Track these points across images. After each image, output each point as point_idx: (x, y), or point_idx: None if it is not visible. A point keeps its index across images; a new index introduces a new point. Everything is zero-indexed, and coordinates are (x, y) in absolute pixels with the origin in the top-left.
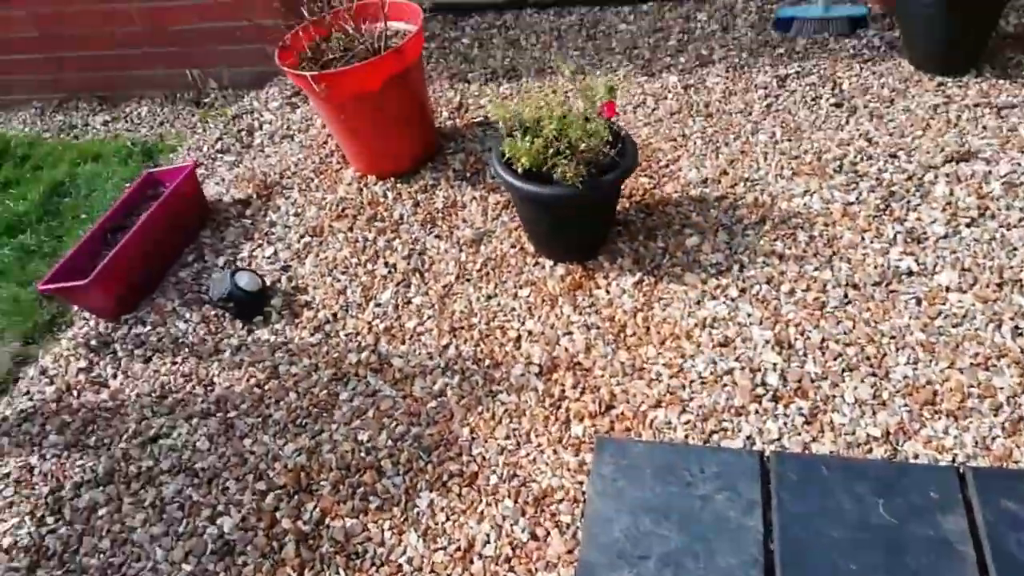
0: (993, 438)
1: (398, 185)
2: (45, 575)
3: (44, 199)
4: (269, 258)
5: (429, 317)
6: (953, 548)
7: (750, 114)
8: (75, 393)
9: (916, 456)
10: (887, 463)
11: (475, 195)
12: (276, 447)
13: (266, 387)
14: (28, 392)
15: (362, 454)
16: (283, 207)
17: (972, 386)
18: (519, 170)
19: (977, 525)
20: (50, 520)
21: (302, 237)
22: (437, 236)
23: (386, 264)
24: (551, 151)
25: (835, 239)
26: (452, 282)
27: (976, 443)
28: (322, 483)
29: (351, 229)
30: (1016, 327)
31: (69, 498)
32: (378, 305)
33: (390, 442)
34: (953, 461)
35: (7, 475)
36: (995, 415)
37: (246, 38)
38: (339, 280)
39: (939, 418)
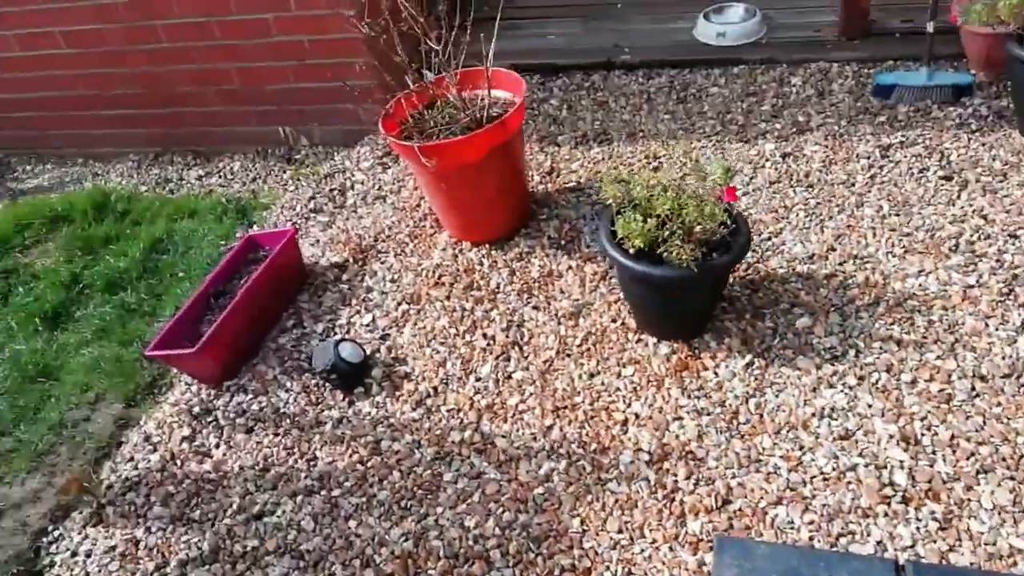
0: None
1: (493, 252)
2: None
3: (144, 256)
4: (367, 326)
5: (531, 394)
6: None
7: (853, 185)
8: (179, 463)
9: None
10: None
11: (571, 264)
12: (382, 530)
13: (368, 464)
14: (132, 459)
15: (469, 542)
16: (379, 272)
17: None
18: (630, 250)
19: None
20: None
21: (399, 304)
22: (535, 307)
23: (484, 336)
24: (665, 232)
25: (956, 325)
26: (553, 357)
27: None
28: (430, 572)
29: (448, 298)
30: None
31: None
32: (479, 379)
33: (498, 530)
34: None
35: (113, 548)
36: None
37: (339, 98)
38: (438, 351)
39: None
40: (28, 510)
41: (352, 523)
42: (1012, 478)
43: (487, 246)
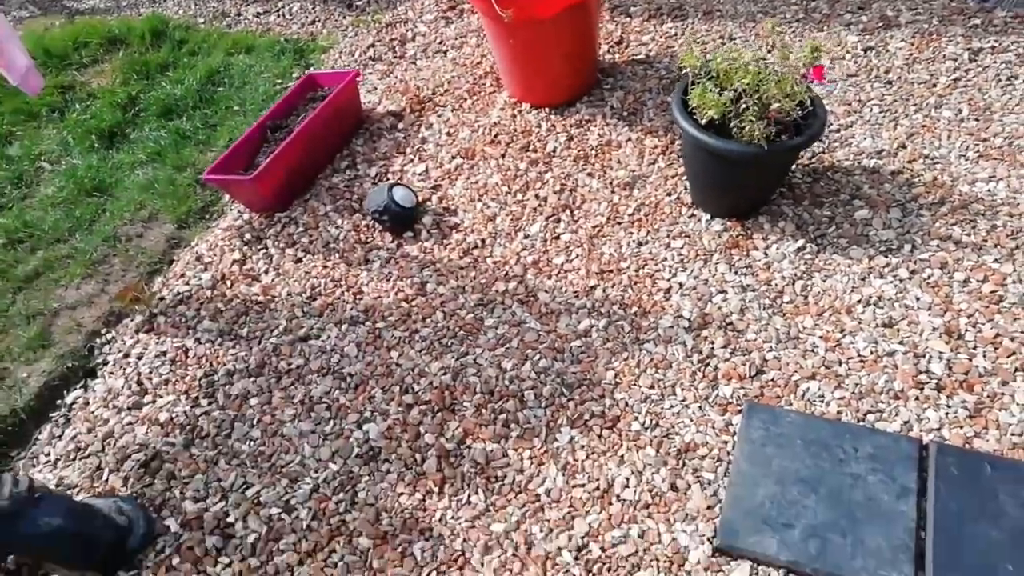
0: None
1: (552, 116)
2: (199, 453)
3: (200, 86)
4: (420, 175)
5: (577, 256)
6: None
7: (934, 86)
8: (228, 283)
9: None
10: None
11: (631, 136)
12: (423, 363)
13: (413, 303)
14: (184, 275)
15: (505, 382)
16: (435, 124)
17: None
18: (702, 120)
19: None
20: (204, 402)
21: (454, 158)
22: (589, 174)
23: (536, 196)
24: (740, 106)
25: (1020, 231)
26: (603, 223)
27: None
28: (465, 404)
29: (503, 156)
30: None
31: (222, 383)
32: (527, 236)
33: (533, 374)
34: None
35: (164, 353)
36: None
37: None
38: (489, 207)
39: None
40: (83, 312)
41: (394, 353)
42: None
43: (547, 110)
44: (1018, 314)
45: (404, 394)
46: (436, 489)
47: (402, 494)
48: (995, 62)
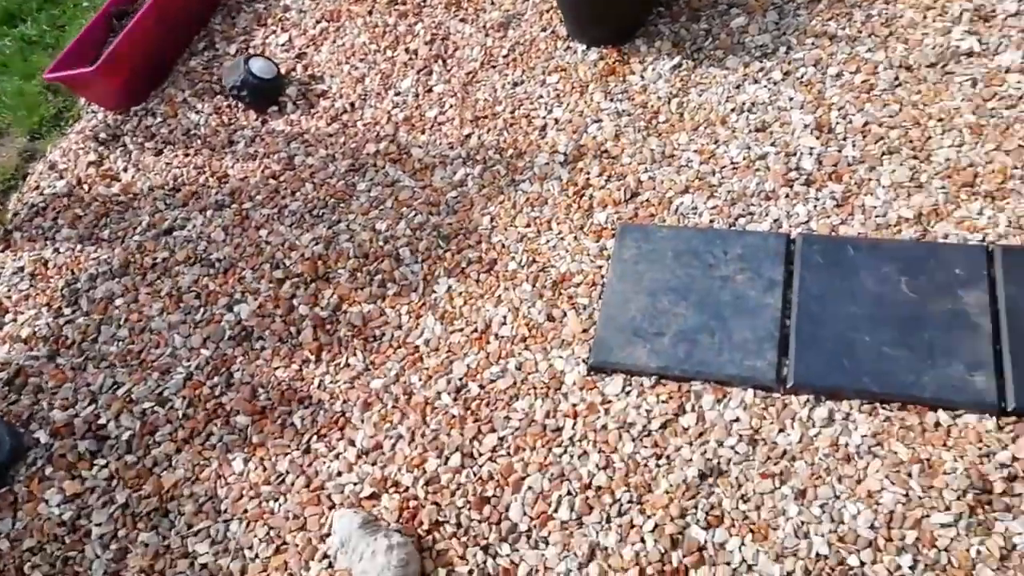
0: None
1: None
2: (65, 363)
3: None
4: (283, 45)
5: (451, 106)
6: (970, 320)
7: None
8: (86, 187)
9: (947, 236)
10: (915, 243)
11: None
12: (292, 237)
13: (281, 178)
14: (38, 187)
15: (380, 243)
16: None
17: (1016, 167)
18: None
19: (998, 299)
20: (67, 311)
21: (318, 22)
22: (462, 20)
23: (407, 50)
24: None
25: (895, 18)
26: (476, 69)
27: (1010, 223)
28: (339, 271)
29: (370, 13)
30: None
31: (85, 289)
32: (398, 94)
33: (408, 231)
34: (983, 240)
35: (21, 269)
36: None
37: None
38: (357, 68)
39: (976, 199)
40: None
41: (263, 232)
42: (915, 157)
43: None
44: (887, 100)
45: (275, 270)
46: (313, 358)
47: (278, 368)
48: None
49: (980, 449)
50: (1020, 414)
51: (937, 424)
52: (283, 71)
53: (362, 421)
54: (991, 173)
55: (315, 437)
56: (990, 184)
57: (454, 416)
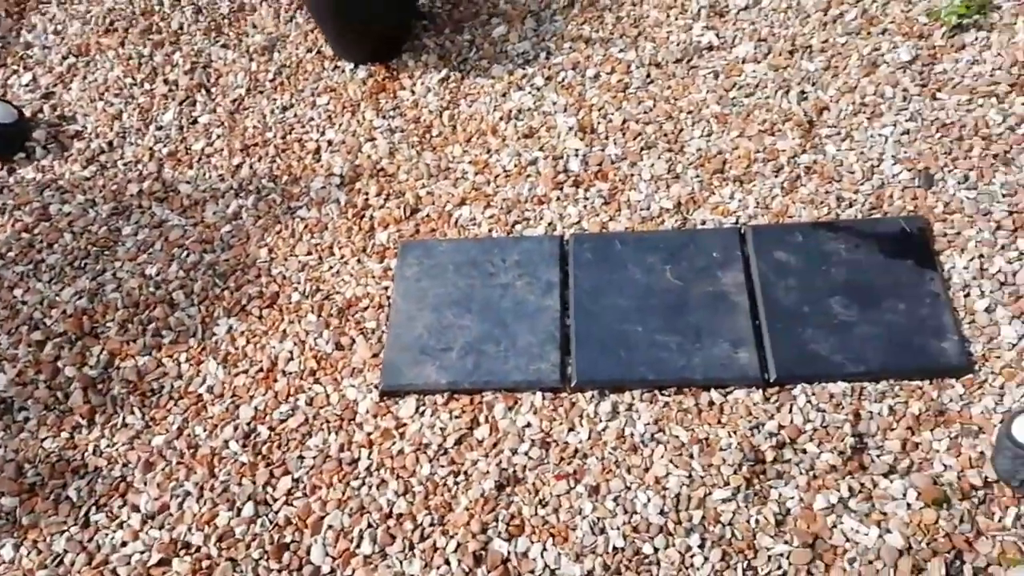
0: (773, 197)
1: None
2: None
3: None
4: (27, 86)
5: (219, 136)
6: (729, 299)
7: None
8: None
9: (704, 222)
10: (676, 232)
11: None
12: (52, 293)
13: (36, 231)
14: None
15: (151, 289)
16: (40, 24)
17: (758, 151)
18: None
19: (752, 277)
20: None
21: (65, 58)
22: (223, 46)
23: (166, 82)
24: None
25: (641, 19)
26: (243, 95)
27: (758, 204)
28: (108, 325)
29: (122, 45)
30: (802, 91)
31: None
32: (160, 128)
33: (182, 273)
34: (736, 223)
35: None
36: (776, 176)
37: None
38: (112, 104)
39: (726, 185)
40: None
41: (17, 292)
42: (670, 150)
43: None
44: (642, 97)
45: (33, 332)
46: (85, 422)
47: (46, 439)
48: None
49: (750, 422)
50: (782, 384)
51: (711, 403)
52: (28, 113)
53: (145, 483)
54: (737, 159)
55: (94, 508)
56: (738, 169)
57: (244, 464)
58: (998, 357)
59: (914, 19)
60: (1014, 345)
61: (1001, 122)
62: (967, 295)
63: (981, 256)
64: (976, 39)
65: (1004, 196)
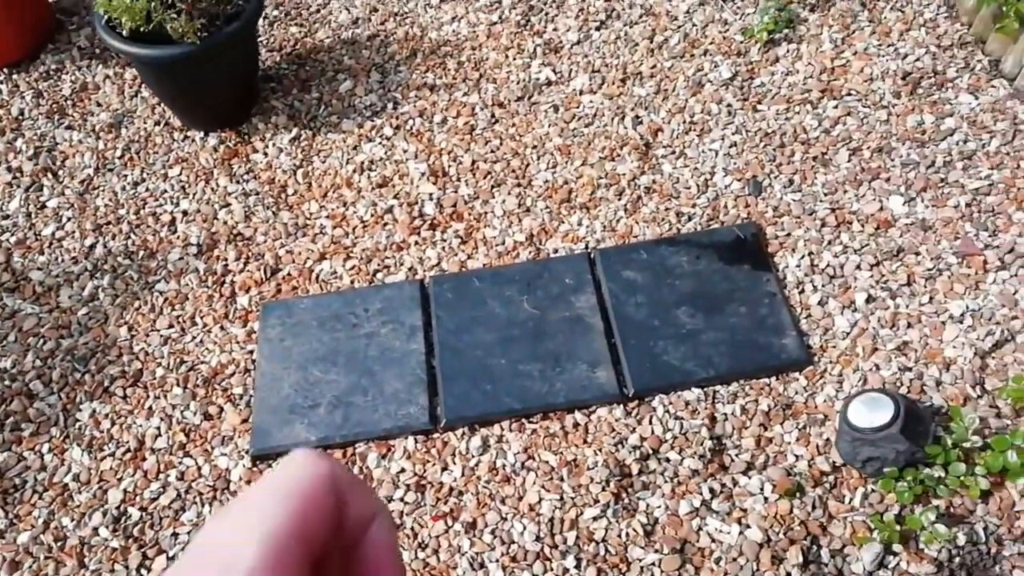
0: (618, 220)
1: (14, 76)
2: None
3: None
4: None
5: (69, 219)
6: (585, 322)
7: None
8: None
9: (556, 251)
10: (531, 263)
11: (108, 73)
12: None
13: None
14: None
15: (7, 382)
16: None
17: (601, 177)
18: (124, 33)
19: (604, 298)
20: None
21: None
22: (68, 127)
23: (9, 169)
24: (159, 6)
25: (482, 62)
26: (91, 175)
27: (604, 227)
28: None
29: None
30: (636, 116)
31: None
32: (6, 217)
33: (39, 362)
34: (586, 248)
35: None
36: (619, 199)
37: None
38: None
39: (574, 212)
40: None
41: None
42: (519, 185)
43: (5, 71)
44: (488, 136)
45: None
46: None
47: None
48: None
49: (614, 438)
50: (640, 397)
51: (576, 424)
52: None
53: None
54: (582, 186)
55: None
56: (583, 196)
57: (115, 549)
58: (834, 347)
59: (731, 38)
60: (847, 333)
61: (817, 126)
62: (801, 291)
63: (811, 253)
64: (787, 51)
65: (826, 195)
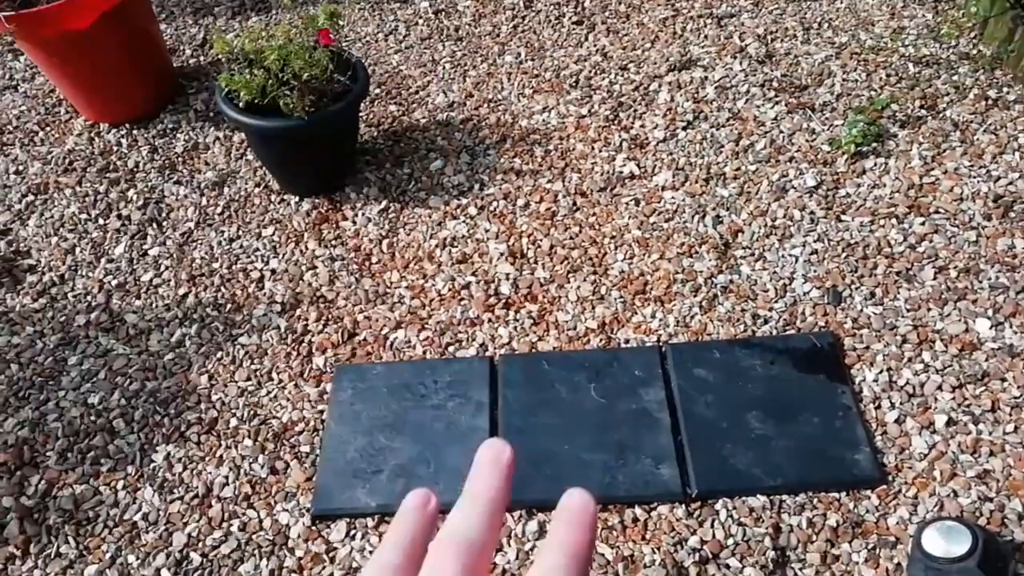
0: (692, 316)
1: (134, 132)
2: None
3: None
4: None
5: (167, 268)
6: (651, 416)
7: (498, 36)
8: None
9: (627, 341)
10: (601, 351)
11: (218, 135)
12: None
13: None
14: None
15: (92, 417)
16: (2, 165)
17: (677, 272)
18: (240, 104)
19: (673, 393)
20: None
21: (24, 196)
22: (177, 182)
23: (119, 217)
24: (275, 83)
25: (568, 151)
26: (192, 228)
27: (677, 323)
28: (48, 454)
29: (80, 183)
30: (717, 216)
31: None
32: (111, 261)
33: (123, 401)
34: (658, 341)
35: None
36: (695, 296)
37: None
38: (67, 239)
39: (648, 305)
40: None
41: None
42: (594, 272)
43: (127, 126)
44: (568, 223)
45: None
46: (19, 553)
47: None
48: (546, 5)
49: (673, 537)
50: (704, 499)
51: (635, 519)
52: None
53: None
54: (658, 280)
55: None
56: (658, 290)
57: None
58: (910, 468)
59: (818, 147)
60: (925, 455)
61: (902, 241)
62: (878, 407)
63: (889, 369)
64: (875, 165)
65: (908, 311)
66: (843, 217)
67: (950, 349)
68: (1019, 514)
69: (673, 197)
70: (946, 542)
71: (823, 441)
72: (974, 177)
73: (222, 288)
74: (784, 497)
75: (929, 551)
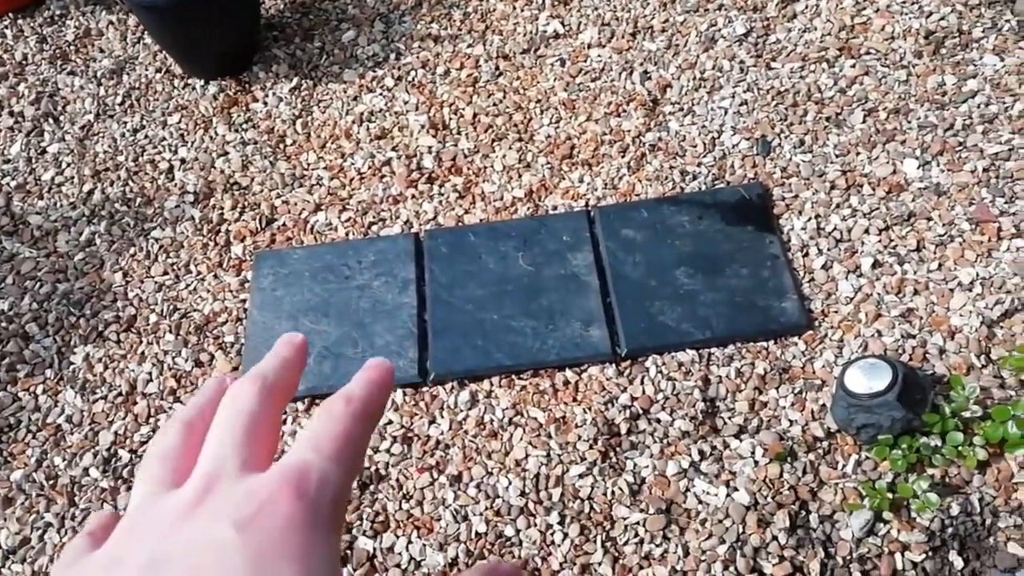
0: (620, 177)
1: (19, 21)
2: None
3: None
4: None
5: (68, 164)
6: (580, 280)
7: None
8: None
9: (555, 208)
10: (528, 219)
11: (111, 19)
12: None
13: None
14: None
15: (3, 324)
16: None
17: (605, 134)
18: None
19: (601, 256)
20: None
21: None
22: (71, 73)
23: (12, 114)
24: None
25: (488, 13)
26: (92, 121)
27: (605, 185)
28: None
29: None
30: (644, 71)
31: None
32: (7, 161)
33: (35, 305)
34: (586, 205)
35: None
36: (622, 156)
37: None
38: None
39: (576, 169)
40: None
41: None
42: (520, 139)
43: (10, 16)
44: (492, 90)
45: None
46: None
47: None
48: None
49: (604, 396)
50: (633, 357)
51: (566, 382)
52: None
53: (4, 519)
54: (585, 143)
55: None
56: (586, 153)
57: (105, 489)
58: (836, 312)
59: None
60: (851, 299)
61: (832, 85)
62: (805, 255)
63: (817, 216)
64: (806, 8)
65: (837, 156)
66: (773, 64)
67: (877, 192)
68: (940, 348)
69: (599, 55)
70: (867, 379)
71: (751, 292)
72: (905, 14)
73: (129, 182)
74: (713, 350)
75: (851, 388)
